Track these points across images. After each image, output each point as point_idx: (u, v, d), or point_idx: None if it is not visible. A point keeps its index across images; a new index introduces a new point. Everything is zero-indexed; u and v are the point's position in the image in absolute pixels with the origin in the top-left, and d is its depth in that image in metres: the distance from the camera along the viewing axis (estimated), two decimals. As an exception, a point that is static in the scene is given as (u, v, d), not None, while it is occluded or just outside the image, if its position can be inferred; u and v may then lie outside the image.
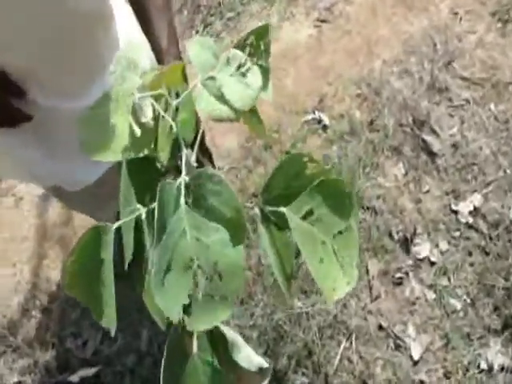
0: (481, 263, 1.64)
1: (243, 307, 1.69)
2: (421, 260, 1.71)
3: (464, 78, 2.11)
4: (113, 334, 0.56)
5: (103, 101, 0.57)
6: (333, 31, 2.46)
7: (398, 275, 1.69)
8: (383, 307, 1.66)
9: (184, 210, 0.51)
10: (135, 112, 0.57)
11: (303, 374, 1.62)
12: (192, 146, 0.62)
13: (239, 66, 0.60)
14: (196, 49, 0.61)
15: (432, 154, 1.93)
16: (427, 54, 2.21)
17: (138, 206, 0.58)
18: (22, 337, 1.81)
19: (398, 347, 1.57)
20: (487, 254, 1.65)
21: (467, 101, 2.04)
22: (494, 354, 1.46)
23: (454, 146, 1.93)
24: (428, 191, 1.85)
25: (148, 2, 0.82)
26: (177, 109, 0.63)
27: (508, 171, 1.80)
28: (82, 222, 2.05)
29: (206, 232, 0.51)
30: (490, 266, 1.61)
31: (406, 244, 1.75)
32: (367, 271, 1.73)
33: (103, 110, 0.57)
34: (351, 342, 1.63)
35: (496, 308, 1.55)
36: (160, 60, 0.86)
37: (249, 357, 0.68)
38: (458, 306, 1.58)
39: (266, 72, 0.63)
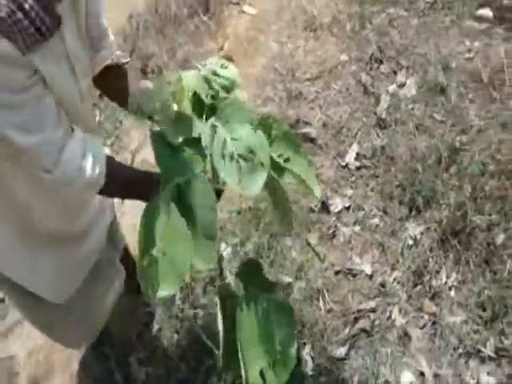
0: (377, 184, 2.16)
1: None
2: (339, 212, 2.19)
3: (308, 79, 2.75)
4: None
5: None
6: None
7: (330, 231, 2.16)
8: (332, 258, 2.10)
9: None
10: None
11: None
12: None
13: None
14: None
15: (313, 140, 2.49)
16: (276, 79, 2.86)
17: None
18: None
19: (354, 276, 2.01)
20: (377, 176, 2.17)
21: (317, 92, 2.65)
22: (413, 229, 2.00)
23: (324, 125, 2.50)
24: (322, 165, 2.38)
25: None
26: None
27: (364, 120, 2.39)
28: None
29: (236, 131, 1.00)
30: (384, 182, 2.13)
31: (326, 208, 2.24)
32: (309, 243, 2.18)
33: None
34: (323, 299, 2.02)
35: (400, 203, 2.07)
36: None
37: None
38: (377, 220, 2.08)
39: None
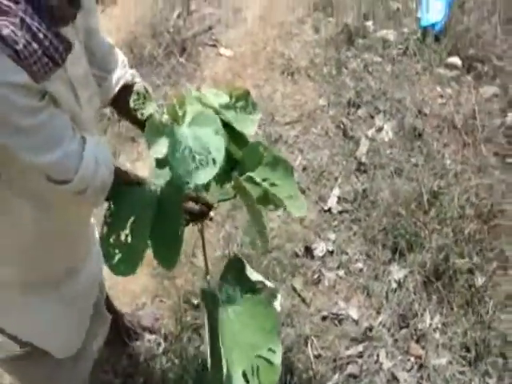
0: (360, 228, 2.26)
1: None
2: (323, 256, 2.28)
3: (287, 123, 2.86)
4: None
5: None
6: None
7: (315, 276, 2.24)
8: (318, 304, 2.18)
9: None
10: None
11: None
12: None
13: None
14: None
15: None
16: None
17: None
18: None
19: (341, 321, 2.09)
20: (359, 220, 2.27)
21: (296, 136, 2.77)
22: (396, 273, 2.11)
23: (305, 169, 2.61)
24: (304, 209, 2.48)
25: None
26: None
27: (344, 164, 2.51)
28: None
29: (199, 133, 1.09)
30: (366, 226, 2.24)
31: (310, 252, 2.32)
32: (294, 289, 2.25)
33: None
34: (312, 345, 2.09)
35: (384, 246, 2.17)
36: None
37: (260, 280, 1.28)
38: (361, 264, 2.17)
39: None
